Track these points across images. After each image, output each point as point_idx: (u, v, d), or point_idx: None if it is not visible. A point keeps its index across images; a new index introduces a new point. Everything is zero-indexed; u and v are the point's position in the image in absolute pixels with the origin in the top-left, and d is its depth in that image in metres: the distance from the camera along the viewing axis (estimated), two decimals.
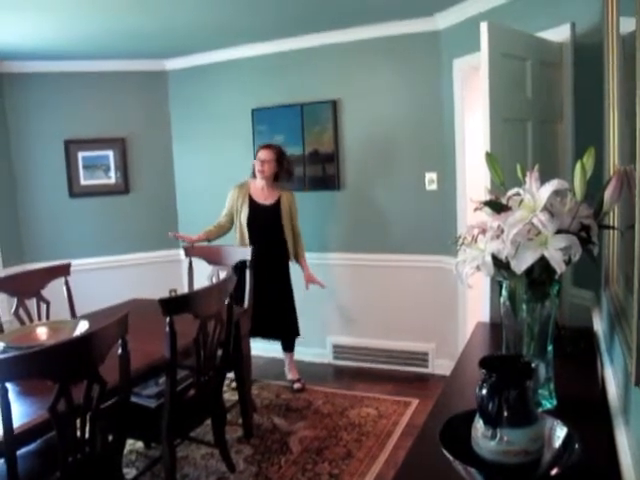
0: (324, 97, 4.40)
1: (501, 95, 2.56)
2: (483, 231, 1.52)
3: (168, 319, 2.33)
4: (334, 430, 3.51)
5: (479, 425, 1.16)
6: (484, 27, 2.48)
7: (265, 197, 4.06)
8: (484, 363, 1.18)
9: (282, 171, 4.04)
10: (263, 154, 3.98)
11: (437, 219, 4.21)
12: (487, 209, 1.52)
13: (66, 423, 1.88)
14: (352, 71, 4.34)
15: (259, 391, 4.08)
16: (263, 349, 4.69)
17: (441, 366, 4.33)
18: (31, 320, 3.25)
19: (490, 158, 1.49)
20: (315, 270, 4.59)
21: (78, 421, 1.94)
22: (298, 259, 4.18)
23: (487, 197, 1.67)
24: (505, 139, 2.57)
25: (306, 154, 4.48)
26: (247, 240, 4.03)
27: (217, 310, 2.55)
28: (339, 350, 4.66)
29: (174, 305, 2.34)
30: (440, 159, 4.14)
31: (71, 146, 4.85)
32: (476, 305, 3.99)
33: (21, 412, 1.99)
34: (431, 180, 4.19)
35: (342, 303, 4.61)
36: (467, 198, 3.94)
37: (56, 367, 1.76)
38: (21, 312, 3.20)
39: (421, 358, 4.40)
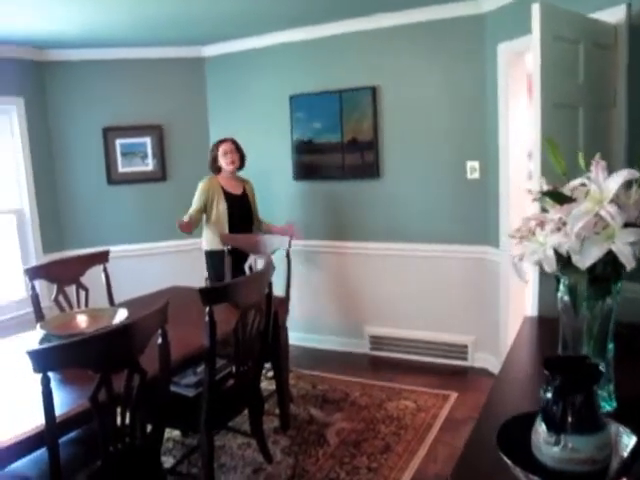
0: (363, 83, 4.31)
1: (552, 80, 2.44)
2: (541, 223, 1.44)
3: (208, 309, 2.30)
4: (372, 423, 3.46)
5: (541, 430, 1.09)
6: (536, 8, 2.37)
7: (234, 187, 4.20)
8: (548, 364, 1.10)
9: (243, 158, 4.25)
10: (227, 146, 4.14)
11: (478, 209, 4.10)
12: (546, 200, 1.43)
13: (106, 412, 1.87)
14: (392, 57, 4.23)
15: (295, 381, 4.05)
16: (299, 339, 4.67)
17: (481, 359, 4.24)
18: (70, 307, 3.28)
19: (552, 145, 1.40)
20: (352, 259, 4.55)
21: (118, 410, 1.94)
22: (264, 228, 4.31)
23: (544, 187, 1.58)
24: (555, 126, 2.45)
25: (344, 142, 4.40)
26: (226, 231, 4.08)
27: (257, 300, 2.52)
28: (376, 340, 4.60)
29: (214, 295, 2.31)
30: (482, 147, 4.02)
31: (109, 133, 4.87)
32: (518, 297, 3.89)
33: (63, 400, 1.98)
34: (473, 169, 4.08)
35: (380, 293, 4.54)
36: (510, 187, 3.82)
37: (97, 357, 1.75)
38: (61, 299, 3.22)
39: (460, 351, 4.31)
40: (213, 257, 4.11)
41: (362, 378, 4.14)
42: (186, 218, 3.97)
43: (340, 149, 4.42)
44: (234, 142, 4.18)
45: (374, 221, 4.47)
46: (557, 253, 1.31)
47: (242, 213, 4.18)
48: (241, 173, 4.41)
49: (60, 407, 1.90)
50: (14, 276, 4.49)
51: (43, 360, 1.64)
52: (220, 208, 4.10)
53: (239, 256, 3.84)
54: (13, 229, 4.64)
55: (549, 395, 1.06)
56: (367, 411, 3.61)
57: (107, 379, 1.79)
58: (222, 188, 4.14)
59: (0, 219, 4.56)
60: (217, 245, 4.04)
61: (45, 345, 1.65)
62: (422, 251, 4.33)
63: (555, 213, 1.34)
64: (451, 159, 4.14)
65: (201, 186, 4.14)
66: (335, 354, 4.67)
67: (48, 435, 1.75)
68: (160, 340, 2.02)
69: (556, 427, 1.05)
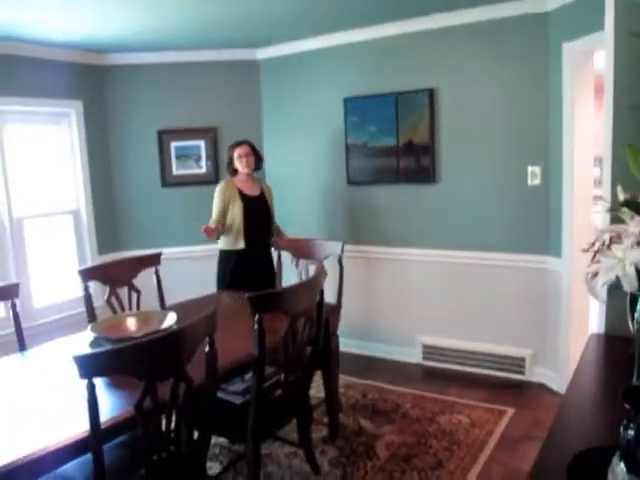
0: (420, 85, 4.20)
1: (626, 80, 2.28)
2: (618, 236, 1.31)
3: (257, 317, 2.24)
4: (423, 437, 3.33)
5: (619, 470, 0.97)
6: (610, 2, 2.21)
7: (250, 189, 4.16)
8: (628, 397, 0.99)
9: (260, 160, 4.24)
10: (243, 149, 4.10)
11: (539, 216, 3.91)
12: (623, 210, 1.31)
13: (152, 420, 1.84)
14: (450, 58, 4.10)
15: (345, 389, 3.96)
16: (350, 345, 4.58)
17: (539, 374, 4.04)
18: (122, 309, 3.29)
19: (633, 151, 1.27)
20: (405, 266, 4.44)
21: (164, 417, 1.90)
22: (277, 237, 4.24)
23: (621, 196, 1.45)
24: (630, 130, 2.29)
25: (400, 145, 4.29)
26: (242, 236, 4.05)
27: (307, 308, 2.45)
28: (429, 350, 4.46)
29: (264, 302, 2.25)
30: (544, 152, 3.84)
31: (164, 136, 4.92)
32: (582, 311, 3.69)
33: (109, 405, 1.97)
34: (534, 174, 3.90)
35: (433, 301, 4.41)
36: (574, 194, 3.63)
37: (142, 365, 1.71)
38: (113, 300, 3.24)
39: (517, 364, 4.12)
40: (223, 257, 4.15)
41: (414, 389, 4.02)
42: (212, 224, 3.98)
43: (395, 153, 4.31)
44: (250, 144, 4.16)
45: (429, 227, 4.34)
46: (638, 270, 1.19)
47: (259, 214, 4.15)
48: (293, 175, 4.38)
49: (106, 412, 1.88)
50: (71, 275, 4.57)
51: (89, 366, 1.62)
52: (235, 209, 4.07)
53: (256, 257, 3.94)
54: (70, 229, 4.74)
55: (631, 433, 0.95)
56: (418, 424, 3.49)
57: (152, 387, 1.75)
58: (238, 190, 4.12)
59: (58, 220, 4.67)
60: (229, 246, 4.08)
61: (91, 351, 1.62)
62: (478, 259, 4.17)
63: (636, 225, 1.21)
64: (511, 164, 3.98)
65: (218, 189, 4.14)
66: (386, 363, 4.55)
67: (93, 441, 1.72)
68: (207, 348, 1.97)
69: (639, 470, 0.94)
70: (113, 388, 2.10)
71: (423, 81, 4.20)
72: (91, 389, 1.65)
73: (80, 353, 1.60)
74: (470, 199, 4.15)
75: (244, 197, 4.11)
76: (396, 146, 4.31)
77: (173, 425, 1.94)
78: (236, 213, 4.07)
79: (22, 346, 2.88)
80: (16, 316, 2.88)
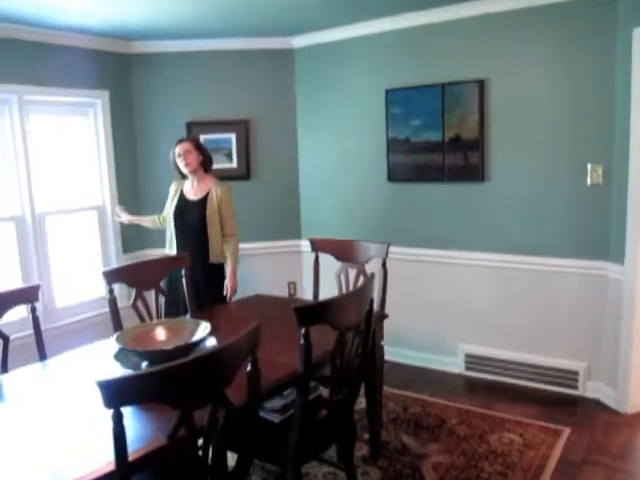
0: (469, 76, 3.89)
1: None
2: None
3: (303, 330, 1.98)
4: (473, 458, 3.04)
5: None
6: None
7: (195, 192, 3.74)
8: None
9: (207, 158, 3.75)
10: (181, 147, 3.66)
11: (599, 219, 3.59)
12: None
13: (187, 450, 1.59)
14: (503, 46, 3.79)
15: (385, 401, 3.67)
16: (388, 352, 4.28)
17: (594, 389, 3.73)
18: (149, 313, 3.06)
19: None
20: (448, 269, 4.15)
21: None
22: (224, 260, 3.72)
23: None
24: None
25: (445, 140, 3.99)
26: (174, 240, 3.74)
27: (357, 320, 2.18)
28: (473, 360, 4.16)
29: (311, 314, 1.98)
30: (608, 149, 3.51)
31: (193, 128, 4.68)
32: None
33: (136, 432, 1.73)
34: (595, 173, 3.57)
35: (477, 308, 4.11)
36: None
37: (177, 391, 1.46)
38: (139, 304, 3.01)
39: (570, 378, 3.81)
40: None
41: (458, 402, 3.73)
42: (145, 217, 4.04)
43: (440, 148, 4.01)
44: (193, 141, 3.73)
45: (476, 229, 4.04)
46: None
47: (190, 221, 3.68)
48: (328, 172, 4.10)
49: (135, 441, 1.63)
50: (94, 274, 4.37)
51: (115, 393, 1.37)
52: (170, 212, 3.77)
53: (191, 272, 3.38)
54: (94, 226, 4.53)
55: None
56: (467, 443, 3.20)
57: (188, 416, 1.50)
58: (181, 190, 3.79)
59: (82, 216, 4.46)
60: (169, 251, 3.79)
61: (118, 377, 1.36)
62: (529, 264, 3.86)
63: None
64: (568, 162, 3.66)
65: (170, 187, 3.87)
66: (427, 372, 4.27)
67: (119, 477, 1.47)
68: (249, 367, 1.71)
69: None
70: (141, 411, 1.85)
71: (473, 71, 3.89)
72: (117, 419, 1.39)
73: (105, 378, 1.35)
74: (522, 199, 3.84)
75: (181, 199, 3.75)
76: (442, 141, 4.01)
77: (210, 453, 1.69)
78: (170, 216, 3.77)
79: (42, 352, 2.66)
80: (36, 320, 2.66)
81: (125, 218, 4.09)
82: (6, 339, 2.57)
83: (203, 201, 3.68)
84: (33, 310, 2.65)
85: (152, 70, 4.65)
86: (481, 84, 3.84)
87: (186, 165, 3.64)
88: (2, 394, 2.23)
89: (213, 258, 3.65)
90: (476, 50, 3.88)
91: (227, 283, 3.65)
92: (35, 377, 2.35)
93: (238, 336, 1.61)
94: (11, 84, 3.87)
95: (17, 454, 1.69)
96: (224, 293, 3.64)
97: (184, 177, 3.78)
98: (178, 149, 3.66)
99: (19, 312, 2.67)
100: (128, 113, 4.65)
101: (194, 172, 3.70)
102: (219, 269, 3.69)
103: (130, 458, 1.50)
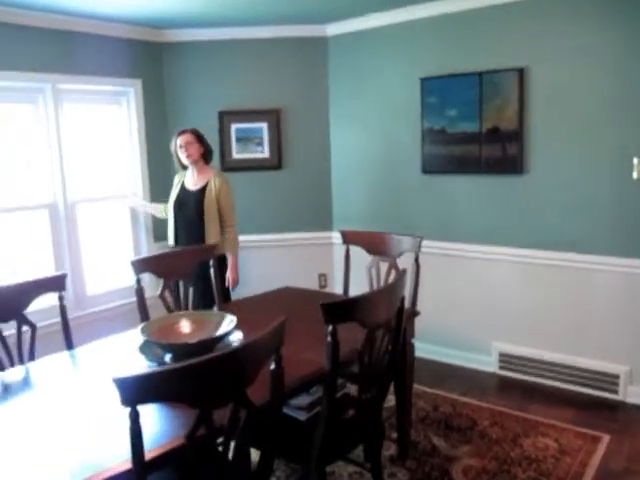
0: (509, 64, 3.73)
1: None
2: None
3: (331, 328, 1.90)
4: (506, 463, 2.93)
5: None
6: None
7: (194, 183, 3.78)
8: None
9: (207, 149, 3.81)
10: (182, 139, 3.72)
11: None
12: None
13: (206, 449, 1.53)
14: (545, 32, 3.62)
15: (415, 399, 3.57)
16: (418, 349, 4.19)
17: (636, 394, 3.56)
18: (178, 303, 3.02)
19: None
20: (483, 265, 4.02)
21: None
22: (225, 252, 3.73)
23: None
24: None
25: (483, 131, 3.85)
26: (173, 233, 3.82)
27: (387, 317, 2.09)
28: (507, 360, 4.03)
29: (339, 312, 1.90)
30: None
31: (225, 117, 4.63)
32: None
33: (161, 430, 1.68)
34: None
35: (512, 305, 3.97)
36: None
37: (196, 390, 1.40)
38: (167, 294, 2.97)
39: (609, 381, 3.65)
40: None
41: (491, 403, 3.61)
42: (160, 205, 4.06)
43: (477, 140, 3.87)
44: (194, 132, 3.75)
45: (513, 223, 3.89)
46: None
47: (188, 211, 3.72)
48: (360, 162, 3.99)
49: (154, 440, 1.59)
50: (124, 263, 4.36)
51: (133, 391, 1.31)
52: (170, 201, 3.86)
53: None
54: (126, 215, 4.53)
55: None
56: (499, 446, 3.09)
57: (208, 415, 1.44)
58: (183, 180, 3.85)
59: (114, 204, 4.46)
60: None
61: (135, 374, 1.31)
62: (569, 261, 3.70)
63: None
64: (613, 155, 3.48)
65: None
66: (459, 370, 4.15)
67: (136, 476, 1.42)
68: (273, 366, 1.64)
69: None
70: (164, 406, 1.80)
71: (512, 59, 3.74)
72: (134, 418, 1.34)
73: (121, 375, 1.29)
74: (562, 193, 3.68)
75: (182, 190, 3.81)
76: (479, 132, 3.86)
77: (230, 452, 1.63)
78: (170, 205, 3.85)
79: (69, 341, 2.64)
80: (63, 309, 2.64)
81: (136, 202, 4.29)
82: (33, 327, 2.56)
83: (202, 191, 3.71)
84: (60, 299, 2.64)
85: (184, 59, 4.60)
86: (521, 72, 3.68)
87: (188, 156, 3.70)
88: (29, 382, 2.22)
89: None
90: (516, 37, 3.72)
91: (228, 275, 3.66)
92: (61, 366, 2.33)
93: (262, 333, 1.54)
94: (45, 73, 3.87)
95: (35, 445, 1.66)
96: (226, 285, 3.66)
97: (184, 168, 3.83)
98: (180, 140, 3.71)
99: (50, 300, 2.65)
100: (160, 102, 4.63)
101: (195, 163, 3.75)
102: (218, 260, 3.55)
103: (148, 456, 1.45)
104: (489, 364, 4.11)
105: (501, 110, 3.77)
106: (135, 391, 1.32)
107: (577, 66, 3.53)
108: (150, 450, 1.51)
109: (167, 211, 3.97)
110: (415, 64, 4.17)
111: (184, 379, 1.37)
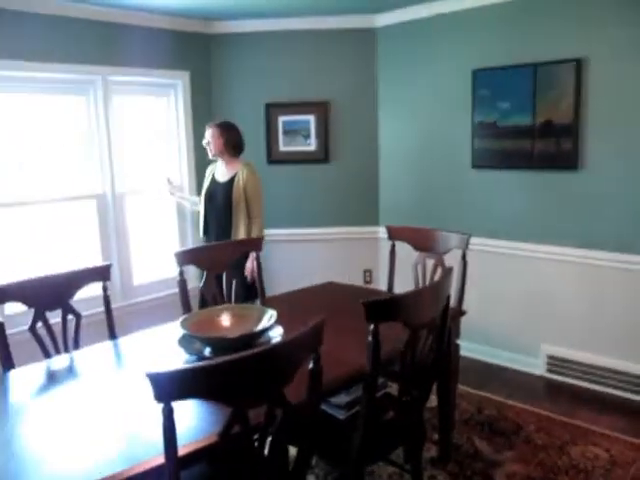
0: (565, 55, 3.57)
1: None
2: None
3: (372, 327, 1.84)
4: (552, 471, 2.82)
5: None
6: None
7: (223, 174, 3.82)
8: None
9: (228, 144, 3.75)
10: (208, 132, 3.79)
11: None
12: None
13: (241, 448, 1.51)
14: (605, 20, 3.43)
15: (458, 400, 3.48)
16: (463, 348, 4.09)
17: None
18: (220, 296, 3.01)
19: None
20: (533, 263, 3.88)
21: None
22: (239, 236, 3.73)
23: None
24: None
25: (536, 125, 3.70)
26: (202, 224, 3.88)
27: (431, 317, 2.02)
28: (555, 363, 3.88)
29: (381, 311, 1.84)
30: None
31: (272, 109, 4.61)
32: None
33: (193, 425, 1.67)
34: None
35: (563, 307, 3.81)
36: None
37: (230, 388, 1.37)
38: (208, 287, 2.97)
39: None
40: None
41: (537, 407, 3.48)
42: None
43: (530, 134, 3.73)
44: (218, 126, 3.76)
45: (566, 222, 3.73)
46: None
47: (217, 202, 3.77)
48: (408, 155, 3.88)
49: (188, 435, 1.57)
50: (170, 254, 4.40)
51: (166, 387, 1.29)
52: (202, 193, 3.92)
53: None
54: (172, 207, 4.57)
55: None
56: (545, 453, 2.98)
57: (242, 415, 1.41)
58: (213, 172, 3.90)
59: (159, 195, 4.50)
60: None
61: (169, 370, 1.29)
62: (626, 263, 3.52)
63: None
64: None
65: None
66: (505, 372, 4.03)
67: (169, 473, 1.41)
68: (312, 365, 1.60)
69: None
70: (197, 400, 1.78)
71: (569, 50, 3.57)
72: (168, 414, 1.32)
73: (155, 371, 1.27)
74: (621, 190, 3.50)
75: (212, 181, 3.86)
76: (532, 125, 3.72)
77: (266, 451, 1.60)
78: (202, 197, 3.91)
79: (112, 331, 2.67)
80: (107, 299, 2.67)
81: (173, 191, 4.38)
82: (78, 316, 2.59)
83: (230, 182, 3.73)
84: (104, 289, 2.67)
85: (232, 50, 4.60)
86: (578, 63, 3.52)
87: (211, 150, 3.78)
88: (73, 370, 2.25)
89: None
90: (574, 26, 3.55)
91: (248, 266, 3.63)
92: (103, 357, 2.35)
93: (299, 332, 1.50)
94: (96, 65, 3.93)
95: (74, 434, 1.67)
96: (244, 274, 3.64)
97: (215, 160, 3.89)
98: (206, 134, 3.80)
99: (96, 289, 2.68)
100: (207, 94, 4.64)
101: (220, 156, 3.79)
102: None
103: (182, 452, 1.44)
104: (536, 366, 3.97)
105: (556, 103, 3.61)
106: (169, 387, 1.29)
107: (639, 57, 3.35)
108: (184, 445, 1.49)
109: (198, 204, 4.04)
110: (467, 55, 4.05)
111: (219, 377, 1.35)
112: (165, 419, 1.32)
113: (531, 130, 3.72)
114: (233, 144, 3.78)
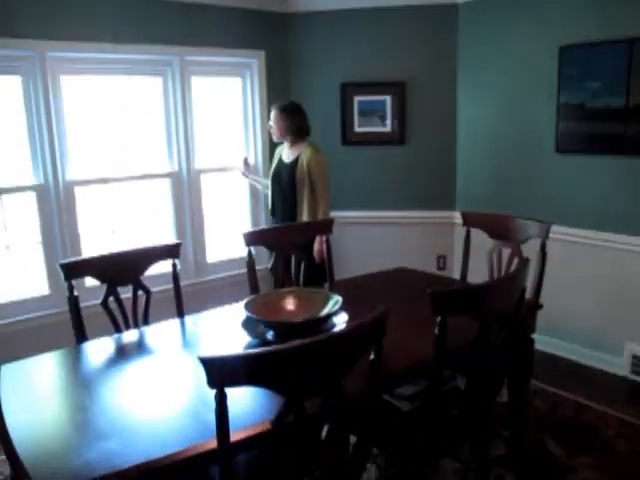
0: None
1: None
2: None
3: (439, 319, 1.75)
4: None
5: None
6: None
7: (288, 155, 3.82)
8: None
9: (290, 128, 3.74)
10: (272, 115, 3.81)
11: None
12: None
13: (296, 437, 1.47)
14: None
15: (531, 397, 3.32)
16: (541, 342, 3.89)
17: None
18: (288, 277, 2.99)
19: None
20: (621, 256, 3.62)
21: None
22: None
23: None
24: None
25: (630, 107, 3.41)
26: (270, 203, 3.94)
27: (504, 310, 1.89)
28: None
29: (449, 302, 1.74)
30: None
31: (348, 89, 4.51)
32: None
33: (247, 410, 1.64)
34: None
35: None
36: None
37: (286, 377, 1.32)
38: (277, 268, 2.95)
39: None
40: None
41: (618, 411, 3.26)
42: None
43: (622, 116, 3.45)
44: (281, 110, 3.75)
45: None
46: None
47: (282, 183, 3.80)
48: (488, 138, 3.68)
49: (243, 419, 1.55)
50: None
51: (220, 373, 1.26)
52: (270, 173, 3.96)
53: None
54: (245, 185, 4.59)
55: None
56: (625, 462, 2.77)
57: (298, 404, 1.37)
58: (281, 155, 3.90)
59: (234, 175, 4.53)
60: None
61: (222, 355, 1.25)
62: None
63: None
64: None
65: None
66: (584, 370, 3.81)
67: (220, 458, 1.39)
68: (373, 356, 1.53)
69: None
70: None
71: None
72: (220, 400, 1.29)
73: (209, 355, 1.25)
74: None
75: (278, 162, 3.89)
76: (624, 107, 3.43)
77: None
78: (269, 177, 3.97)
79: (180, 308, 2.70)
80: (175, 277, 2.70)
81: (247, 173, 4.41)
82: (148, 292, 2.64)
83: (294, 163, 3.73)
84: (174, 266, 2.70)
85: (307, 29, 4.53)
86: None
87: (274, 133, 3.83)
88: (142, 345, 2.30)
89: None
90: None
91: (316, 247, 3.59)
92: (170, 334, 2.38)
93: (361, 322, 1.44)
94: (174, 46, 3.97)
95: (134, 409, 1.69)
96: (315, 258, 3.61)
97: (282, 142, 3.91)
98: (271, 115, 3.83)
99: (167, 266, 2.72)
100: (283, 73, 4.60)
101: (283, 138, 3.82)
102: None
103: (234, 438, 1.40)
104: (620, 366, 3.72)
105: None
106: (222, 373, 1.27)
107: None
108: (236, 431, 1.46)
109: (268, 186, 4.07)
110: (554, 31, 3.78)
111: (274, 365, 1.31)
112: (218, 405, 1.30)
113: (623, 112, 3.43)
114: (296, 128, 3.76)
